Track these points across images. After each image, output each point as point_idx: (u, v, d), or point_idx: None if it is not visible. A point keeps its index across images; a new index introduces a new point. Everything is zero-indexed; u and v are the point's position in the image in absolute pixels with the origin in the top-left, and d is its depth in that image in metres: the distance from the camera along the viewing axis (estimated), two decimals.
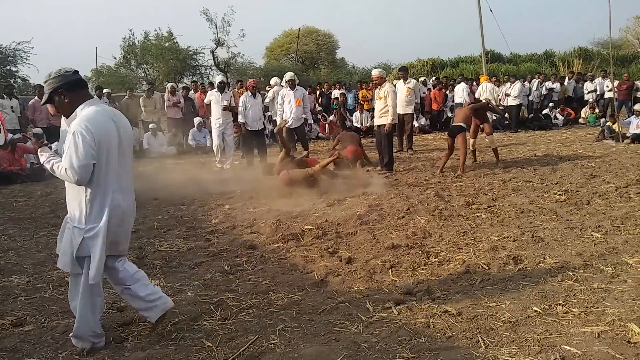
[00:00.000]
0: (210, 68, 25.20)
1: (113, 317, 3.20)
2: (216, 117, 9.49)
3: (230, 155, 9.78)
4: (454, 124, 8.45)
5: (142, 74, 24.78)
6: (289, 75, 9.81)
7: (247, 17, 44.88)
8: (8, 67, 19.20)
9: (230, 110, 9.47)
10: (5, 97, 11.41)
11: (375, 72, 8.49)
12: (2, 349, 2.87)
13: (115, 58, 24.75)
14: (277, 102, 9.95)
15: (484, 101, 8.62)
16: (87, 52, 35.43)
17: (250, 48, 50.50)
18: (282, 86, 9.95)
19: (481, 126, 8.89)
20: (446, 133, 8.65)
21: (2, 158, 9.13)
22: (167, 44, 23.55)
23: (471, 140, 8.79)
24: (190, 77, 23.24)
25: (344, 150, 8.42)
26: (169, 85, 12.66)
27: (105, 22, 48.21)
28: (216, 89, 9.64)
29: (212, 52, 24.48)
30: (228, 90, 10.10)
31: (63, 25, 49.07)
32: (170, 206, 6.43)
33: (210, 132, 12.81)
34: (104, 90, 13.06)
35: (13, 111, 11.08)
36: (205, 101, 10.23)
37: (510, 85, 14.35)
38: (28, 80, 20.18)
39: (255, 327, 3.01)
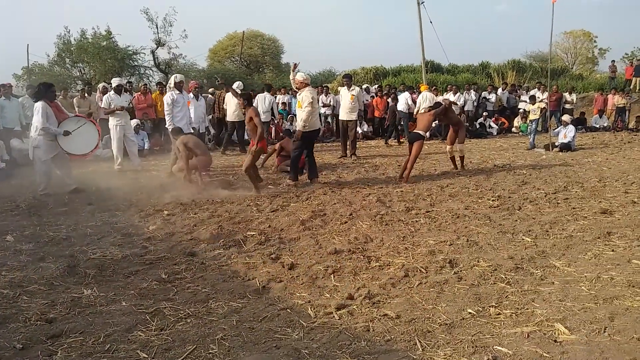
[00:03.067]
0: (151, 69, 24.44)
1: (42, 328, 3.00)
2: (116, 118, 9.22)
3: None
4: (414, 131, 8.36)
5: (78, 73, 23.63)
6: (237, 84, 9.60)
7: (189, 18, 43.89)
8: None
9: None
10: None
11: (297, 76, 7.91)
12: None
13: (48, 56, 23.48)
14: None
15: (443, 103, 8.59)
16: (17, 49, 33.34)
17: (193, 50, 49.39)
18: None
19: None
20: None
21: None
22: (104, 43, 22.58)
23: (448, 147, 8.98)
24: (129, 77, 22.43)
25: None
26: (100, 85, 12.14)
27: (39, 17, 45.61)
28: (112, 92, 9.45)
29: (153, 52, 23.77)
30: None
31: None
32: (104, 212, 6.15)
33: (147, 134, 12.48)
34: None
35: None
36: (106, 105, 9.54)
37: (454, 95, 15.01)
38: None
39: (194, 336, 2.93)
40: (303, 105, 7.57)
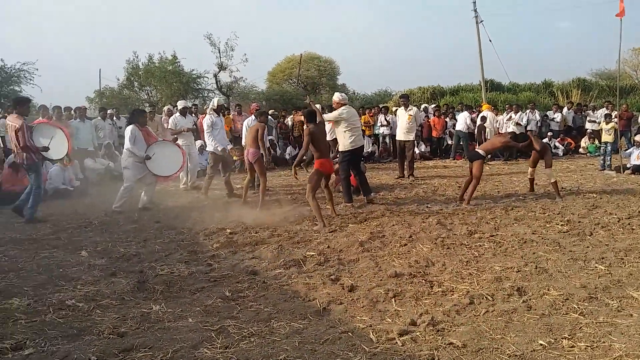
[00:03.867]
0: (213, 92, 25.43)
1: (114, 342, 3.15)
2: (182, 139, 9.56)
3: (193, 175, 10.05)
4: (475, 149, 8.14)
5: (145, 96, 24.98)
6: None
7: (250, 42, 45.46)
8: (12, 87, 19.35)
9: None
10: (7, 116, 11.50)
11: (334, 96, 8.02)
12: None
13: (118, 80, 25.02)
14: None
15: (527, 133, 8.17)
16: (91, 74, 35.87)
17: (253, 72, 51.05)
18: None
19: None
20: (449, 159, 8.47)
21: (5, 178, 9.13)
22: (170, 67, 23.79)
23: (529, 169, 8.62)
24: (193, 99, 23.43)
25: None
26: (165, 108, 12.73)
27: (110, 44, 48.84)
28: (178, 114, 9.94)
29: (215, 75, 24.75)
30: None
31: (68, 47, 49.70)
32: (171, 229, 6.40)
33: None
34: (108, 111, 13.20)
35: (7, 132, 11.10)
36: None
37: (515, 114, 14.59)
38: (32, 101, 20.34)
39: (257, 356, 2.96)
40: (340, 125, 7.66)
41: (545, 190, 8.84)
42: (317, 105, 7.94)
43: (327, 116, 7.79)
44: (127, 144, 7.67)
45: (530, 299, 3.76)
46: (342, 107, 7.78)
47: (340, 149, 7.79)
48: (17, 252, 5.42)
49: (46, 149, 7.10)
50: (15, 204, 7.24)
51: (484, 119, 13.99)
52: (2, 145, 10.92)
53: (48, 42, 49.17)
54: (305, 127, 6.85)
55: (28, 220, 6.98)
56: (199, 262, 4.96)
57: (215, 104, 9.23)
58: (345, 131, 7.64)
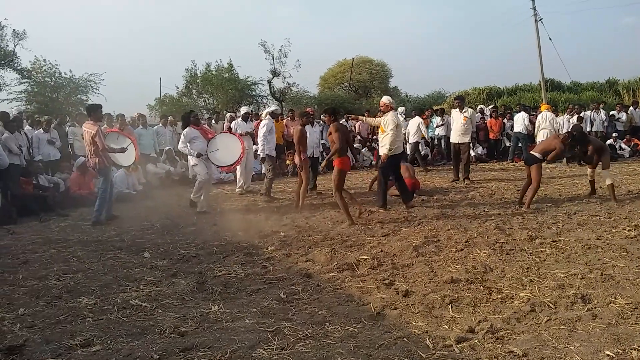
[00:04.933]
0: (267, 98, 25.93)
1: (175, 341, 3.27)
2: None
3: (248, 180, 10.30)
4: (530, 152, 7.87)
5: (203, 103, 25.82)
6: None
7: (303, 48, 46.00)
8: (79, 96, 20.53)
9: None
10: (77, 125, 12.23)
11: (383, 99, 7.97)
12: None
13: (177, 88, 26.01)
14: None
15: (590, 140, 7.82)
16: (152, 82, 37.67)
17: (305, 78, 51.69)
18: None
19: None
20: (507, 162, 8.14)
21: (73, 181, 9.72)
22: (227, 75, 24.49)
23: (589, 171, 8.26)
24: (248, 106, 23.99)
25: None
26: (227, 115, 13.12)
27: (170, 53, 50.94)
28: (240, 119, 10.24)
29: (269, 82, 25.23)
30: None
31: (132, 57, 52.23)
32: (227, 232, 6.59)
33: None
34: (168, 118, 13.79)
35: (83, 138, 11.76)
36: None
37: (577, 113, 13.94)
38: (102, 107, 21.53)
39: (313, 358, 2.99)
40: (387, 129, 7.55)
41: (590, 195, 8.30)
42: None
43: (388, 125, 7.59)
44: (179, 144, 8.09)
45: (595, 307, 3.58)
46: (392, 112, 7.75)
47: (383, 153, 7.69)
48: (84, 253, 5.73)
49: (123, 149, 7.60)
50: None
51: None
52: (71, 152, 11.61)
53: (112, 54, 51.90)
54: (332, 124, 7.01)
55: (94, 222, 7.37)
56: (254, 264, 5.07)
57: (272, 110, 9.64)
58: (390, 136, 7.55)
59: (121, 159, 7.90)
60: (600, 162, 7.69)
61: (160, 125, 13.26)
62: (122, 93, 41.06)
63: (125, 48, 56.44)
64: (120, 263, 5.24)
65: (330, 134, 6.94)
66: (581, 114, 14.02)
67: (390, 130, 7.53)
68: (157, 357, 3.05)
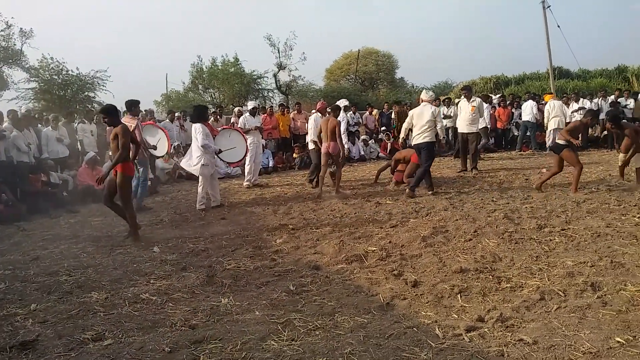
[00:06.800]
0: (273, 91, 25.91)
1: (186, 334, 3.30)
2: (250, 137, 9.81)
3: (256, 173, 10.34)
4: (556, 140, 8.14)
5: (209, 98, 25.85)
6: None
7: (308, 40, 45.84)
8: (86, 93, 20.62)
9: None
10: (86, 121, 12.31)
11: (422, 95, 8.77)
12: None
13: (184, 83, 26.05)
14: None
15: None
16: (158, 78, 37.79)
17: (311, 70, 51.52)
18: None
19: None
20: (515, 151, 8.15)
21: (81, 174, 9.79)
22: (232, 69, 24.46)
23: (620, 155, 8.27)
24: (254, 99, 23.99)
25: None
26: (235, 109, 13.11)
27: (176, 49, 50.95)
28: (248, 114, 10.23)
29: (275, 75, 25.20)
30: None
31: (137, 53, 52.36)
32: (236, 225, 6.61)
33: (272, 153, 13.19)
34: (175, 114, 13.81)
35: (92, 135, 11.89)
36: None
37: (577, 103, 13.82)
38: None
39: (323, 349, 3.00)
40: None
41: (619, 181, 8.28)
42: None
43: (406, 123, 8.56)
44: (202, 140, 7.71)
45: (605, 295, 3.56)
46: (414, 109, 8.48)
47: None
48: (95, 248, 5.79)
49: (154, 147, 8.24)
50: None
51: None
52: (79, 148, 11.69)
53: (119, 49, 52.04)
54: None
55: (137, 208, 7.51)
56: (263, 257, 5.09)
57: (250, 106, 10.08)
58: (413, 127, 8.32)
59: (156, 150, 8.43)
60: (633, 146, 7.70)
61: (167, 120, 13.30)
62: (129, 89, 41.21)
63: (130, 44, 56.59)
64: (130, 258, 5.28)
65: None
66: (579, 102, 13.89)
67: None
68: (169, 350, 3.08)
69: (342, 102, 10.19)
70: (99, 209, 8.53)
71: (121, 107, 8.68)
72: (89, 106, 19.28)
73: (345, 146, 9.38)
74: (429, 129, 8.09)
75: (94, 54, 50.00)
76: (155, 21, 61.52)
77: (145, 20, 61.01)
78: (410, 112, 8.55)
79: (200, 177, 7.98)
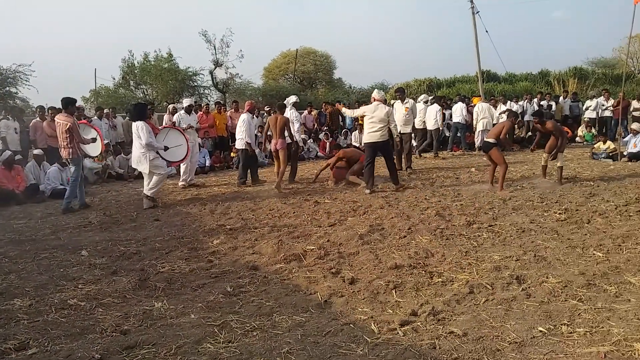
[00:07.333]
0: (209, 89, 25.39)
1: (117, 340, 3.16)
2: None
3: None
4: (485, 139, 8.59)
5: (141, 95, 24.90)
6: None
7: (245, 38, 45.31)
8: (7, 89, 19.23)
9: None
10: (10, 118, 11.48)
11: (374, 93, 8.98)
12: None
13: (114, 79, 24.91)
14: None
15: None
16: (86, 73, 35.87)
17: (249, 69, 51.00)
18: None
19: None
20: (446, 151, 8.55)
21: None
22: (166, 65, 23.70)
23: (544, 155, 8.70)
24: (189, 97, 23.38)
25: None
26: (170, 106, 12.72)
27: (105, 43, 48.63)
28: (183, 111, 10.06)
29: (211, 72, 24.69)
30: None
31: (62, 48, 49.46)
32: (171, 227, 6.42)
33: (208, 152, 12.92)
34: (105, 111, 13.18)
35: (16, 132, 11.13)
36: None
37: (504, 105, 14.64)
38: (28, 102, 20.29)
39: (260, 349, 2.98)
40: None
41: (541, 178, 8.85)
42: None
43: (357, 111, 9.34)
44: (146, 139, 7.62)
45: (529, 287, 3.80)
46: (368, 105, 8.75)
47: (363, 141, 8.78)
48: (18, 252, 5.42)
49: (94, 140, 8.14)
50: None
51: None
52: (1, 147, 10.90)
53: (42, 42, 48.89)
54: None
55: (64, 210, 7.66)
56: (199, 258, 4.97)
57: (292, 100, 10.02)
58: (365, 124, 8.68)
59: (89, 150, 8.29)
60: (557, 146, 8.27)
61: (96, 117, 12.67)
62: (54, 85, 38.82)
63: (56, 37, 53.37)
64: (56, 262, 4.99)
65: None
66: (507, 105, 14.75)
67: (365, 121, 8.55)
68: (99, 356, 2.95)
69: (292, 99, 10.13)
70: (21, 211, 8.01)
71: (46, 103, 8.29)
72: (11, 102, 17.98)
73: (299, 137, 9.88)
74: (384, 128, 8.37)
75: (17, 51, 46.70)
76: (82, 13, 58.34)
77: (72, 12, 57.72)
78: (363, 107, 9.04)
79: (156, 172, 7.87)
